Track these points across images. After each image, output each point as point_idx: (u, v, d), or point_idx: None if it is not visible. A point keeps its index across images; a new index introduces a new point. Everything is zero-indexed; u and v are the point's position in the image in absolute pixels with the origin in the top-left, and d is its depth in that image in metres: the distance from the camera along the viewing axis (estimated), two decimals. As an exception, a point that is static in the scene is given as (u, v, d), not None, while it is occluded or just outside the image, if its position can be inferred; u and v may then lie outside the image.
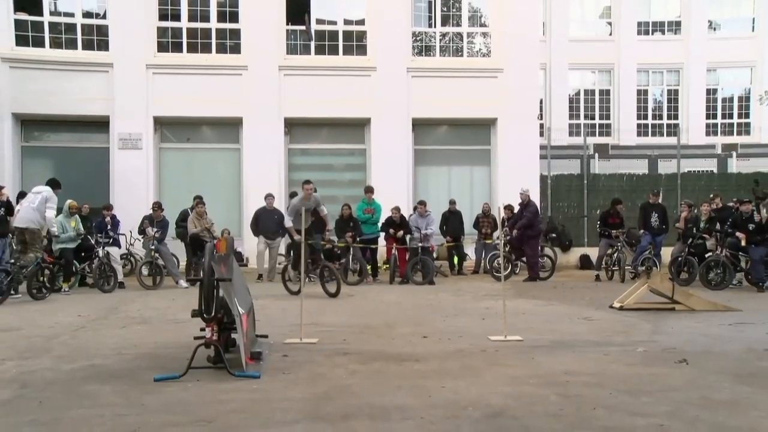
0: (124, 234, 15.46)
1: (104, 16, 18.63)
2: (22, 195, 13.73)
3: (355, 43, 19.32)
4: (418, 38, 19.78)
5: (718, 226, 14.14)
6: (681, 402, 5.03)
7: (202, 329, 6.21)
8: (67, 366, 6.43)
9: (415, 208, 16.71)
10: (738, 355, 6.90)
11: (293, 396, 5.31)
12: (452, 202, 17.32)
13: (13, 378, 5.96)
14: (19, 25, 18.17)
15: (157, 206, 15.10)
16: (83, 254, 13.80)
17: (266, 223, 15.50)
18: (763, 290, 13.05)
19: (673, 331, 8.39)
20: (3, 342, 7.77)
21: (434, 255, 15.93)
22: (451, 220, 17.00)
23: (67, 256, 13.45)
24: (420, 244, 15.11)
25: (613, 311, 10.12)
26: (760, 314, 9.62)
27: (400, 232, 15.45)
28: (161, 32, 18.73)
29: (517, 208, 15.88)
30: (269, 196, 15.83)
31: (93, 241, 13.72)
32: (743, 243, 13.54)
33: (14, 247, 12.88)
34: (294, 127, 19.12)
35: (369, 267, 15.34)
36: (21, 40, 18.20)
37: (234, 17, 18.86)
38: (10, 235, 12.77)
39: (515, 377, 5.89)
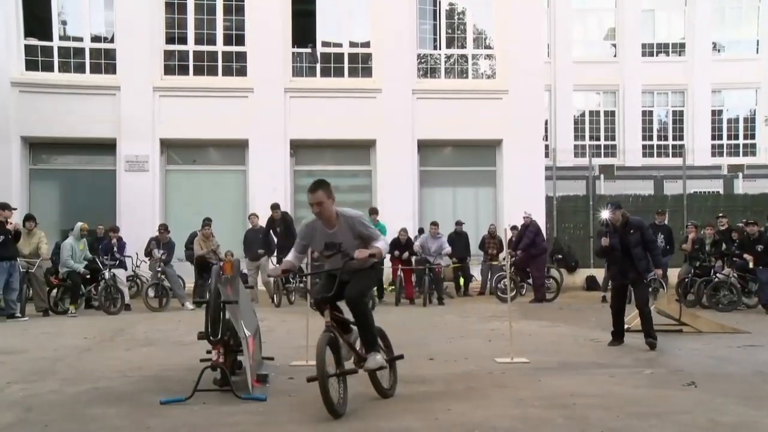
0: (130, 256, 15.48)
1: (112, 40, 18.82)
2: (28, 218, 13.76)
3: (361, 65, 19.44)
4: (423, 60, 19.89)
5: (723, 247, 14.12)
6: (688, 425, 4.99)
7: (209, 351, 6.21)
8: (72, 389, 6.42)
9: (421, 230, 16.73)
10: (746, 378, 6.86)
11: (299, 419, 5.29)
12: (458, 223, 17.32)
13: (17, 401, 5.96)
14: (29, 50, 18.38)
15: (164, 228, 15.15)
16: (89, 276, 13.80)
17: (251, 244, 15.46)
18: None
19: (680, 353, 8.35)
20: (8, 365, 7.77)
21: (441, 276, 15.91)
22: (457, 242, 16.98)
23: (74, 278, 13.47)
24: (433, 264, 15.10)
25: (619, 333, 10.06)
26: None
27: (406, 254, 15.45)
28: (168, 55, 18.90)
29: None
30: (253, 215, 15.85)
31: (99, 264, 13.72)
32: (751, 264, 13.50)
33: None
34: (299, 148, 19.20)
35: (375, 288, 15.30)
36: (30, 65, 18.40)
37: (240, 40, 19.01)
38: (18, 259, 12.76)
39: (521, 399, 5.86)
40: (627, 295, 9.52)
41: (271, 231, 15.39)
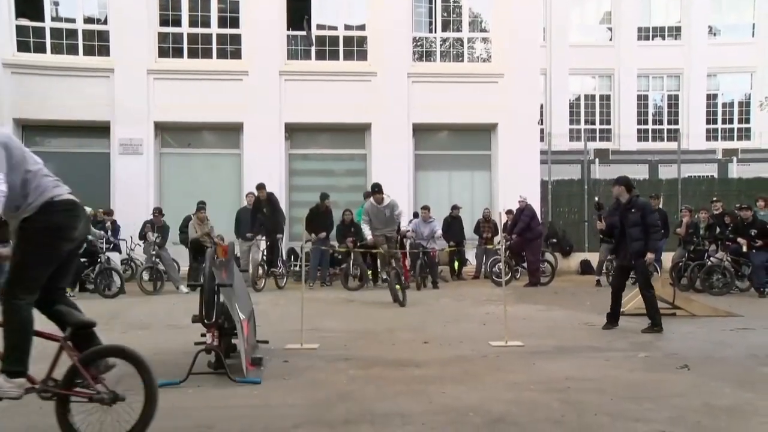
0: (124, 239, 15.46)
1: (105, 22, 18.66)
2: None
3: (356, 48, 19.35)
4: (418, 44, 19.80)
5: (717, 231, 14.18)
6: (683, 408, 5.02)
7: (203, 335, 6.21)
8: (68, 372, 6.40)
9: (416, 214, 16.71)
10: (740, 360, 6.89)
11: (294, 402, 5.30)
12: (455, 207, 17.32)
13: (13, 384, 5.93)
14: (20, 30, 18.20)
15: (158, 212, 15.11)
16: (85, 260, 13.76)
17: (245, 223, 15.38)
18: (765, 295, 13.04)
19: (674, 337, 8.38)
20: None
21: (436, 260, 15.93)
22: (453, 226, 16.99)
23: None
24: (425, 248, 15.10)
25: (614, 316, 10.09)
26: (762, 320, 9.60)
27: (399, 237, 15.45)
28: (162, 38, 18.75)
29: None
30: (250, 195, 15.80)
31: (96, 247, 13.69)
32: (744, 248, 13.56)
33: None
34: (294, 132, 19.13)
35: (369, 272, 15.33)
36: (22, 46, 18.23)
37: (235, 23, 18.87)
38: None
39: (516, 383, 5.88)
40: (627, 275, 9.47)
41: (257, 212, 15.16)
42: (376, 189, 12.17)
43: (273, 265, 14.73)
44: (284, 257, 15.88)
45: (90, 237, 13.45)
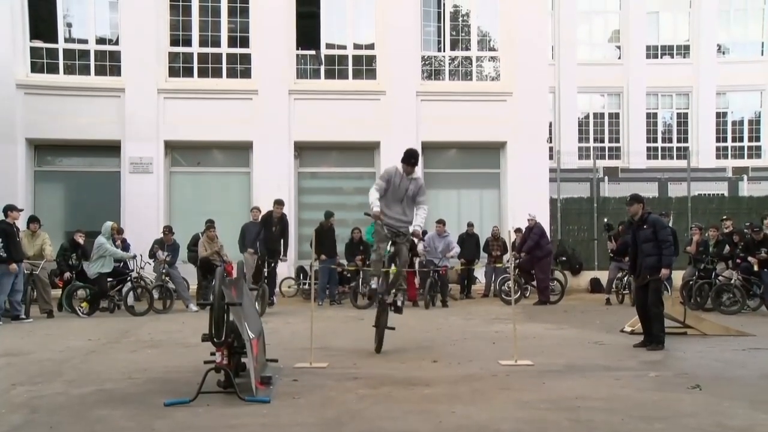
0: (135, 256, 15.52)
1: (117, 42, 18.85)
2: (32, 220, 13.80)
3: (365, 67, 19.46)
4: (427, 62, 19.90)
5: (727, 249, 14.12)
6: (694, 428, 4.98)
7: (213, 353, 6.21)
8: (78, 390, 6.43)
9: (424, 233, 16.69)
10: (752, 380, 6.84)
11: (303, 421, 5.29)
12: (470, 225, 17.32)
13: (23, 403, 5.97)
14: (34, 52, 18.43)
15: (168, 230, 15.17)
16: (112, 280, 13.88)
17: (252, 237, 15.33)
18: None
19: (685, 356, 8.33)
20: (14, 366, 7.79)
21: (447, 278, 15.90)
22: (468, 243, 16.98)
23: (101, 280, 13.50)
24: (436, 266, 15.08)
25: (624, 335, 10.05)
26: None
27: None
28: (172, 57, 18.92)
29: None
30: (254, 209, 15.81)
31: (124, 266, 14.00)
32: (756, 267, 13.48)
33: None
34: (304, 150, 19.21)
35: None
36: (36, 67, 18.44)
37: (244, 42, 19.03)
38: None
39: (526, 402, 5.85)
40: (647, 293, 9.34)
41: (264, 228, 14.24)
42: (412, 159, 8.61)
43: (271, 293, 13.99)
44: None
45: (116, 255, 13.62)
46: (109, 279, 13.71)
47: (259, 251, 14.01)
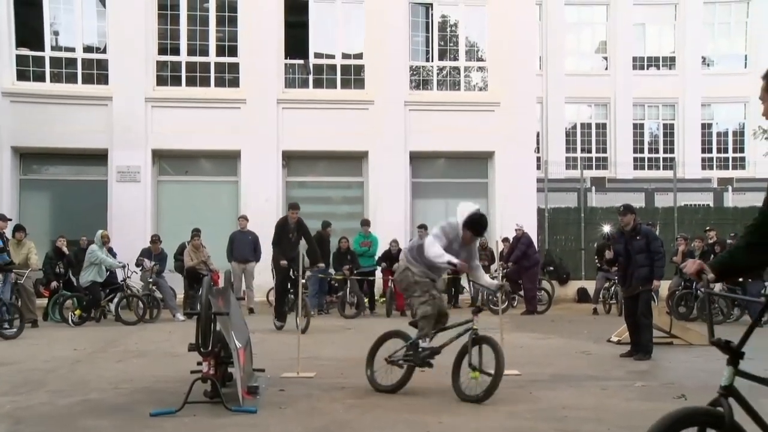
0: (123, 265, 15.45)
1: (104, 51, 18.79)
2: (18, 229, 13.72)
3: (353, 76, 19.49)
4: (415, 72, 19.96)
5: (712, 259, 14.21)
6: (680, 438, 4.99)
7: (199, 363, 6.19)
8: (63, 400, 6.39)
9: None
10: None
11: (291, 431, 5.28)
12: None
13: (7, 413, 5.92)
14: (20, 60, 18.34)
15: (156, 239, 15.13)
16: (107, 289, 13.86)
17: (240, 246, 15.39)
18: (761, 325, 13.01)
19: (671, 366, 8.37)
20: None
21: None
22: (452, 253, 16.97)
23: (95, 290, 13.44)
24: None
25: (611, 345, 10.10)
26: (759, 350, 9.53)
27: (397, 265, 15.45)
28: (160, 66, 18.89)
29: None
30: (242, 218, 15.83)
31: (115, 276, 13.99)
32: (740, 278, 13.56)
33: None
34: (292, 159, 19.21)
35: (366, 300, 15.32)
36: (22, 75, 18.36)
37: (233, 51, 19.02)
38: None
39: (513, 412, 5.86)
40: (637, 304, 9.33)
41: (281, 236, 12.40)
42: (483, 229, 7.49)
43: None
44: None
45: (106, 263, 13.56)
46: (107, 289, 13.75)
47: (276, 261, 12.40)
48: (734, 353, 2.94)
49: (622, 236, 9.41)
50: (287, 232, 12.38)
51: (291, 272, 11.85)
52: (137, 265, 14.83)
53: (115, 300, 13.80)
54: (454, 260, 6.77)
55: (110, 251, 15.12)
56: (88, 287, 13.43)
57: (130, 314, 13.84)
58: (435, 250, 6.84)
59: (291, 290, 11.94)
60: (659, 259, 9.13)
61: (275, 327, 11.91)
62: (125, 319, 13.33)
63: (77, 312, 13.24)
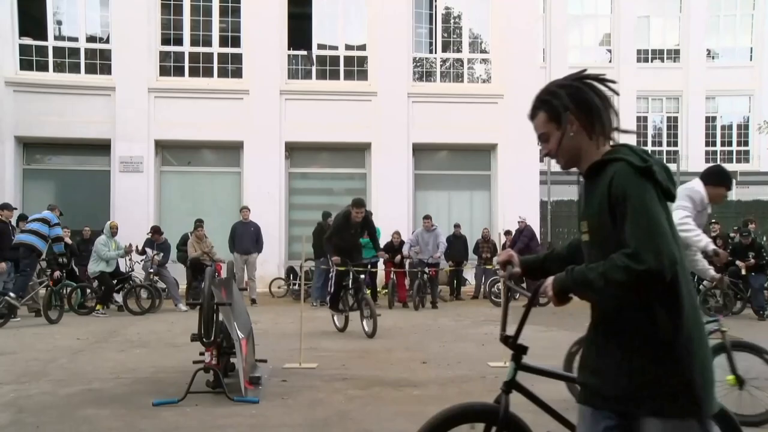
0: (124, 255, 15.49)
1: (107, 41, 18.79)
2: (22, 218, 13.75)
3: (356, 68, 19.46)
4: (418, 64, 19.92)
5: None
6: (681, 430, 4.99)
7: (201, 353, 6.20)
8: (65, 390, 6.40)
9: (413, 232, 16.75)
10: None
11: (292, 421, 5.29)
12: (457, 226, 17.33)
13: (9, 402, 5.93)
14: (23, 49, 18.34)
15: (155, 230, 15.14)
16: (115, 280, 13.94)
17: (242, 237, 15.45)
18: (764, 318, 13.03)
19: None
20: (0, 365, 7.74)
21: (436, 279, 15.92)
22: (455, 245, 16.99)
23: (105, 279, 13.52)
24: (427, 264, 15.10)
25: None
26: (761, 343, 9.56)
27: (398, 257, 15.48)
28: (164, 56, 18.87)
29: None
30: (244, 209, 15.86)
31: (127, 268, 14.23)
32: (743, 271, 13.56)
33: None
34: (294, 151, 19.19)
35: (368, 291, 15.30)
36: (25, 65, 18.37)
37: (236, 42, 19.00)
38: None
39: (514, 405, 5.85)
40: None
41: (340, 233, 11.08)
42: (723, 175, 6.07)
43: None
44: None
45: (107, 257, 13.60)
46: (114, 280, 13.86)
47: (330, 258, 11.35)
48: (516, 349, 2.98)
49: None
50: (348, 228, 11.14)
51: (348, 268, 10.79)
52: (141, 253, 14.86)
53: (125, 290, 13.89)
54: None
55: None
56: (97, 277, 13.54)
57: (134, 304, 13.88)
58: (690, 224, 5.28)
59: (350, 288, 10.79)
60: None
61: (336, 328, 10.82)
62: (132, 309, 13.39)
63: (99, 306, 13.30)
